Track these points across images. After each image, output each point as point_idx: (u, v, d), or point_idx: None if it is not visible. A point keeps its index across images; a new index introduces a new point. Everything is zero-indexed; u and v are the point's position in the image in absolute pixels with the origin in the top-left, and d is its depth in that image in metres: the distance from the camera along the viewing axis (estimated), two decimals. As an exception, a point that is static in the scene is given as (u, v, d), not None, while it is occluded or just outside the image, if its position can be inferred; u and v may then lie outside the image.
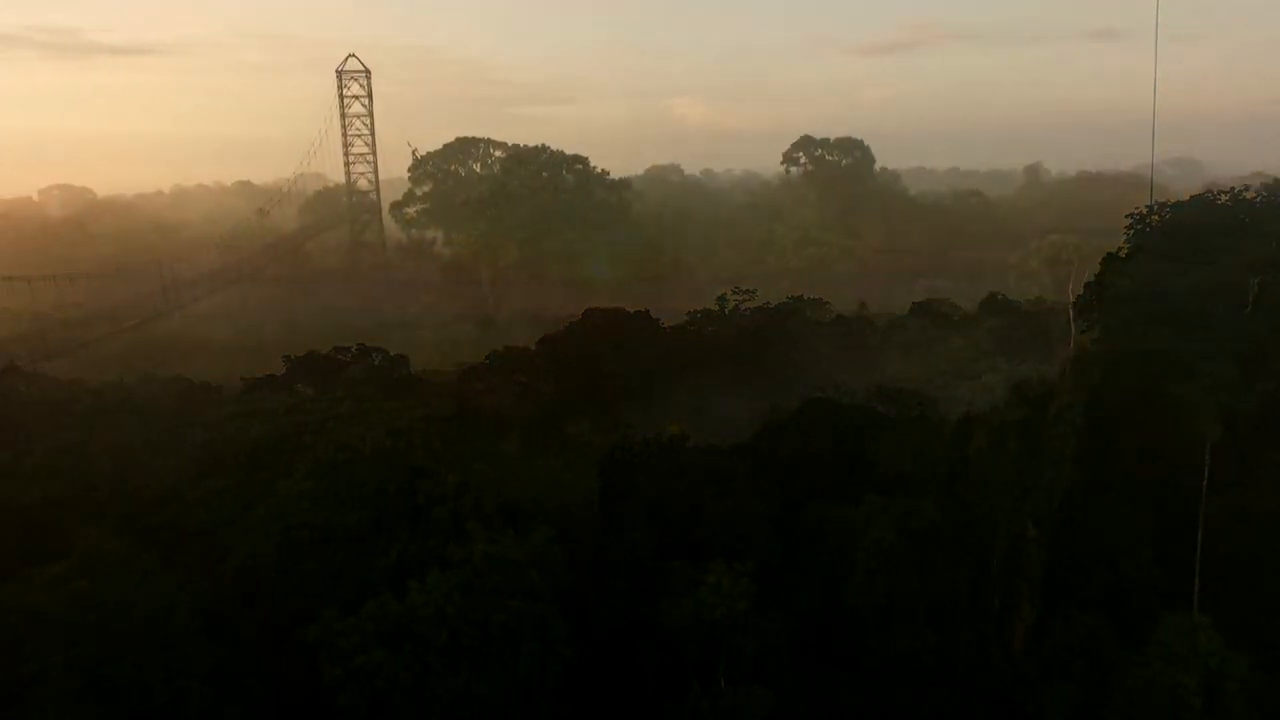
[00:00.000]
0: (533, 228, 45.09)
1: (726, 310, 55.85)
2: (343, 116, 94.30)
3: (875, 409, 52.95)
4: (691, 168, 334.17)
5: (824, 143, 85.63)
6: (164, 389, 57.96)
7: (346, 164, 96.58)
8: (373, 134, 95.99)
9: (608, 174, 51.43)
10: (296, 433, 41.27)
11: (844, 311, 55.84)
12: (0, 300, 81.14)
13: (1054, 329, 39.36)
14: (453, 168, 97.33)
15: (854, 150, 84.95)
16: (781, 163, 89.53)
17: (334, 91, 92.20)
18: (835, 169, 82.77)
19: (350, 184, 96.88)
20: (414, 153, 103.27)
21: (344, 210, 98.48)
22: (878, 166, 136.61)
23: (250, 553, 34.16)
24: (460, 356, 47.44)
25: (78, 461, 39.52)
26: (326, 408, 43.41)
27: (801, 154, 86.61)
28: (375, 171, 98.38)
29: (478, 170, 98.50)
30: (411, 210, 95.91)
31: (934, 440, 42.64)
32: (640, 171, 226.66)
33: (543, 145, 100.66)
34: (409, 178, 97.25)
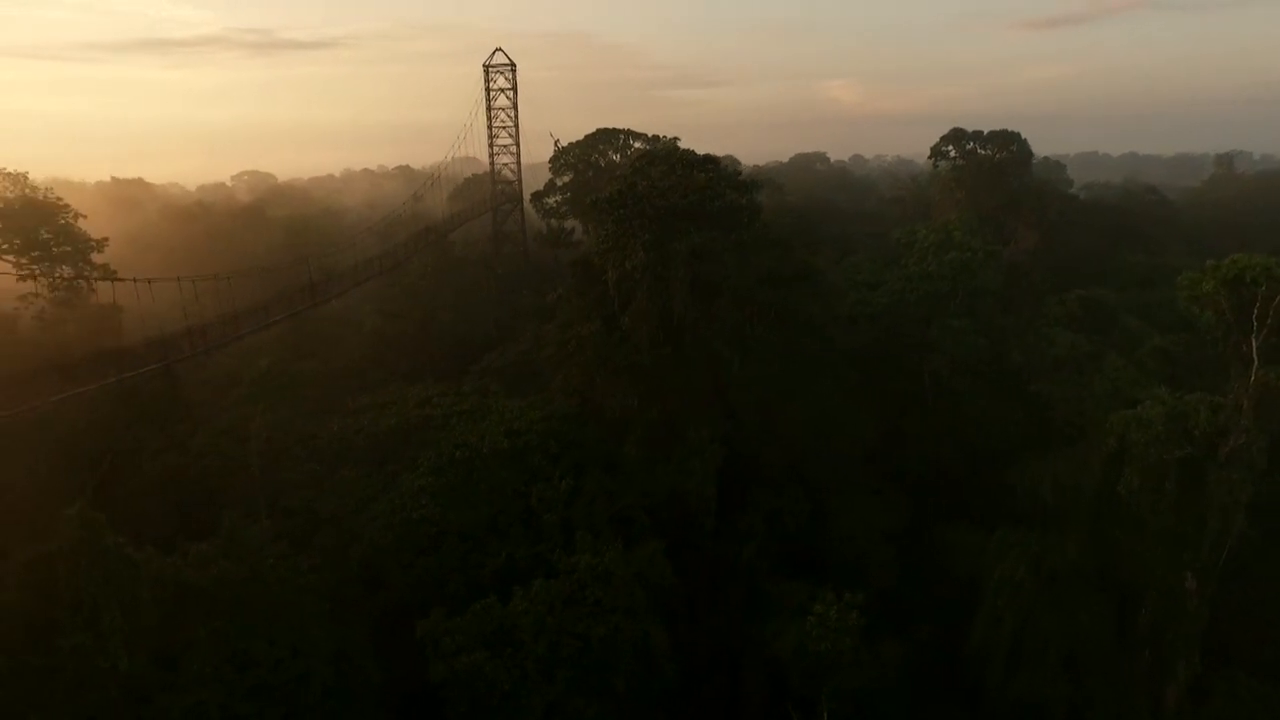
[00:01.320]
0: (659, 229, 44.54)
1: (857, 315, 53.36)
2: (488, 109, 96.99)
3: (1016, 429, 49.31)
4: (841, 153, 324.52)
5: (976, 135, 79.78)
6: (310, 378, 61.88)
7: (491, 155, 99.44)
8: (516, 125, 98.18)
9: (739, 173, 49.76)
10: (423, 426, 42.94)
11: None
12: (179, 287, 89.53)
13: (1232, 356, 34.87)
14: (593, 158, 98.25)
15: (1009, 143, 78.71)
16: (929, 156, 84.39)
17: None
18: (987, 164, 76.97)
19: (494, 174, 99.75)
20: (556, 143, 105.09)
21: (488, 199, 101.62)
22: (1041, 155, 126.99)
23: (372, 543, 35.79)
24: (584, 355, 47.61)
25: (233, 443, 42.78)
26: (452, 402, 44.95)
27: (951, 147, 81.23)
28: (518, 161, 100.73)
29: (617, 160, 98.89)
30: (551, 200, 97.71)
31: (1081, 471, 39.04)
32: (786, 158, 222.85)
33: (675, 139, 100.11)
34: (549, 168, 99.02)
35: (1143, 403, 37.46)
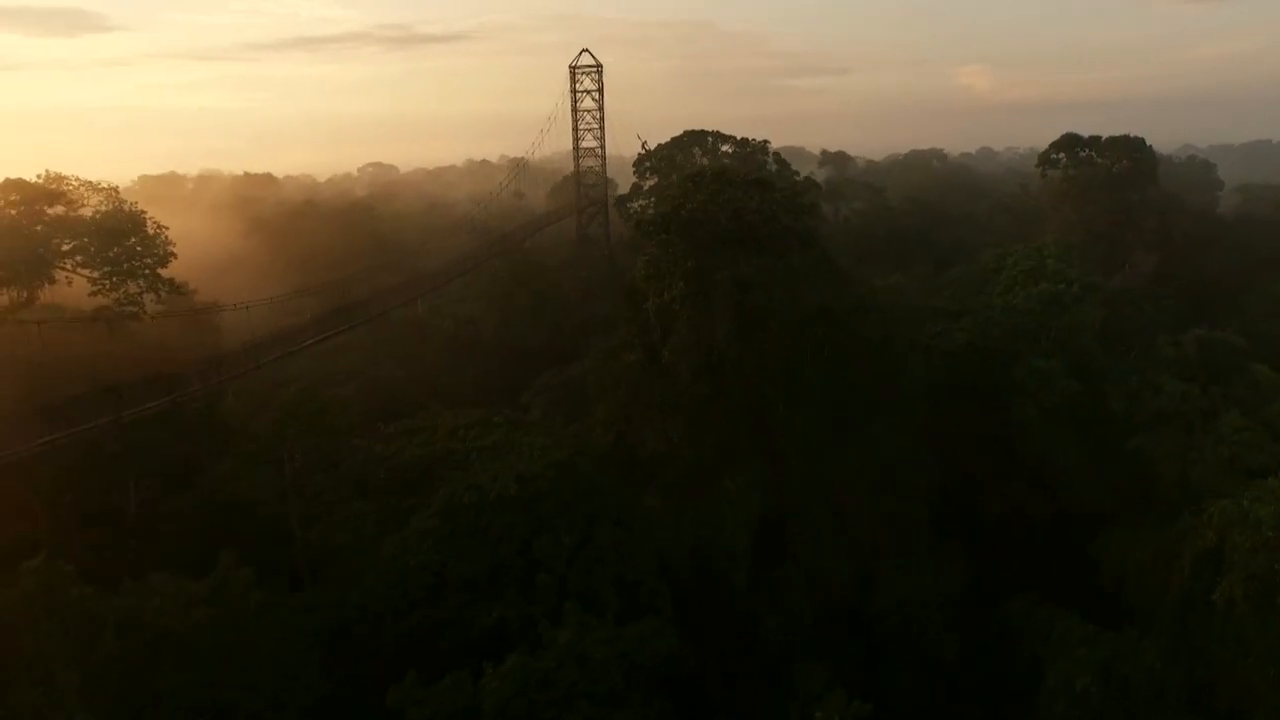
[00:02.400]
0: (703, 256, 41.28)
1: (933, 347, 48.23)
2: (574, 110, 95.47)
3: (1107, 490, 43.16)
4: (968, 145, 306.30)
5: (1093, 141, 71.05)
6: (359, 392, 61.92)
7: (576, 157, 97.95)
8: (602, 127, 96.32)
9: (801, 199, 44.92)
10: (445, 459, 41.41)
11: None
12: (290, 282, 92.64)
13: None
14: (678, 160, 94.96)
15: (1132, 151, 69.69)
16: (1037, 165, 76.00)
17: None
18: (1103, 175, 68.32)
19: (579, 176, 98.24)
20: (643, 145, 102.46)
21: (573, 203, 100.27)
22: (1203, 145, 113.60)
23: (371, 588, 34.46)
24: (622, 388, 44.95)
25: (260, 468, 42.57)
26: (480, 434, 43.20)
27: (1063, 155, 72.82)
28: (603, 164, 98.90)
29: (705, 164, 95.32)
30: (635, 205, 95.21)
31: (1174, 559, 33.26)
32: (906, 151, 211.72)
33: (764, 142, 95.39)
34: (634, 172, 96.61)
35: (1261, 480, 31.46)
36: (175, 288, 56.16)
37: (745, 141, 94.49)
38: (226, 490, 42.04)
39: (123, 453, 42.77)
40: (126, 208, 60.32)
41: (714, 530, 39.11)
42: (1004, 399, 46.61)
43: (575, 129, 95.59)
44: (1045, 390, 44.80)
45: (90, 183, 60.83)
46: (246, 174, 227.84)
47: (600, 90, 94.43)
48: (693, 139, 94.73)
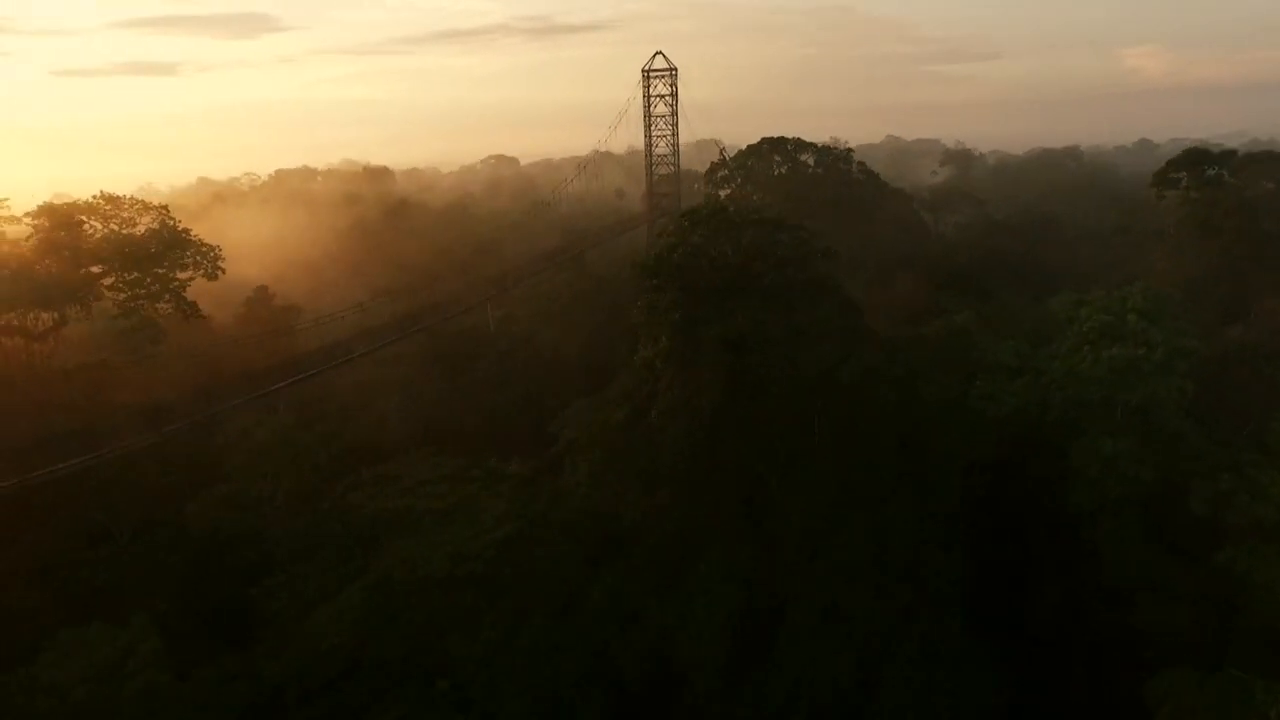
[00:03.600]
0: (692, 308, 36.08)
1: (979, 411, 41.14)
2: (646, 117, 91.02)
3: (1177, 611, 35.01)
4: (1131, 135, 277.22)
5: (1225, 158, 59.27)
6: (393, 411, 60.31)
7: (648, 165, 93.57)
8: (675, 135, 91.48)
9: (814, 245, 37.95)
10: (400, 519, 38.51)
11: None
12: (374, 283, 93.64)
13: None
14: (751, 167, 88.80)
15: (1275, 171, 57.50)
16: (1152, 184, 64.23)
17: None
18: (1231, 200, 56.48)
19: (651, 185, 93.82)
20: (721, 153, 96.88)
21: (644, 212, 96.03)
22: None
23: (288, 663, 31.97)
24: (602, 448, 40.65)
25: (230, 511, 41.24)
26: (446, 490, 39.95)
27: (1184, 174, 61.23)
28: (676, 172, 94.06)
29: (784, 174, 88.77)
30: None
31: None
32: (1055, 144, 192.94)
33: (848, 151, 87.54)
34: (705, 182, 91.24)
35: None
36: (195, 311, 56.20)
37: (827, 150, 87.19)
38: (201, 528, 40.83)
39: (108, 485, 42.54)
40: (171, 226, 61.11)
41: (678, 625, 34.32)
42: (1060, 483, 39.05)
43: (648, 136, 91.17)
44: (1110, 478, 37.03)
45: (143, 202, 62.04)
46: (365, 168, 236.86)
47: (674, 94, 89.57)
48: (772, 146, 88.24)
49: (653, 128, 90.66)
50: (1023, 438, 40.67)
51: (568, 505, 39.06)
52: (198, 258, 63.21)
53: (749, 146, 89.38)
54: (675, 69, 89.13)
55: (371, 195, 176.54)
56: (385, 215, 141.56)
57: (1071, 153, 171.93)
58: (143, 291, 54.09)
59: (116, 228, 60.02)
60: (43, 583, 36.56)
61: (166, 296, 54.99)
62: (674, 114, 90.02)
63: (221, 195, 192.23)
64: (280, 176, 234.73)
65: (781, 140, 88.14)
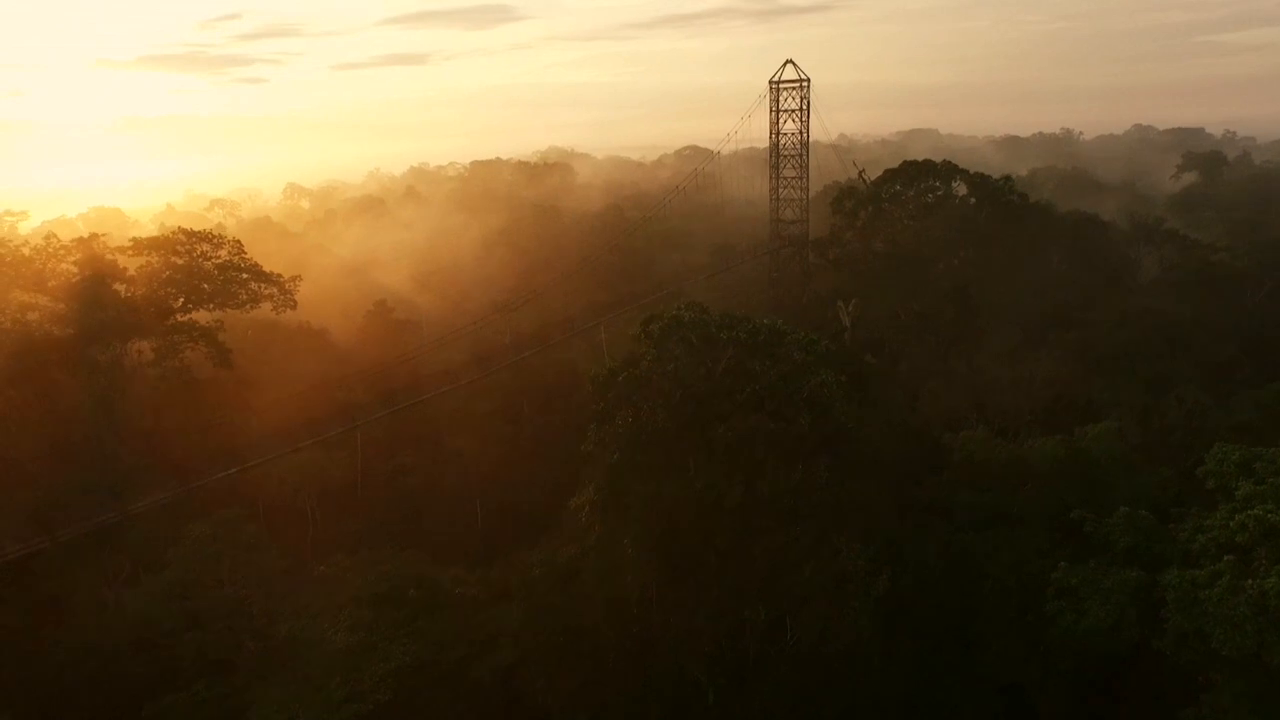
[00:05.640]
0: (636, 450, 27.61)
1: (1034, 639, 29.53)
2: (773, 133, 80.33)
3: None
4: None
5: None
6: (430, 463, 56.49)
7: (773, 187, 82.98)
8: (805, 155, 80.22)
9: (823, 380, 27.60)
10: (299, 648, 33.62)
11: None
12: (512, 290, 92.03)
13: None
14: (885, 196, 75.70)
15: None
16: None
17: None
18: None
19: (775, 210, 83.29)
20: (860, 175, 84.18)
21: (766, 241, 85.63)
22: None
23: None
24: (529, 604, 33.49)
25: (165, 605, 38.41)
26: (358, 619, 34.40)
27: None
28: (805, 195, 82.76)
29: (929, 204, 75.05)
30: (834, 254, 78.09)
31: None
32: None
33: (1007, 179, 71.76)
34: (830, 209, 79.15)
35: None
36: (226, 360, 55.06)
37: (983, 179, 72.16)
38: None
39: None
40: (237, 261, 60.78)
41: None
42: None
43: (774, 154, 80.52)
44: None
45: (219, 237, 62.36)
46: (556, 156, 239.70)
47: (806, 110, 78.17)
48: (916, 172, 74.66)
49: (779, 148, 79.81)
50: (1111, 668, 28.41)
51: (482, 663, 32.35)
52: (268, 288, 62.71)
53: (888, 171, 76.36)
54: (807, 80, 77.60)
55: (542, 190, 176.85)
56: (540, 215, 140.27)
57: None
58: (180, 337, 53.63)
59: (187, 261, 60.50)
60: None
61: (193, 344, 54.27)
62: (804, 132, 78.66)
63: (414, 188, 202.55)
64: (475, 169, 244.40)
65: (927, 165, 74.33)
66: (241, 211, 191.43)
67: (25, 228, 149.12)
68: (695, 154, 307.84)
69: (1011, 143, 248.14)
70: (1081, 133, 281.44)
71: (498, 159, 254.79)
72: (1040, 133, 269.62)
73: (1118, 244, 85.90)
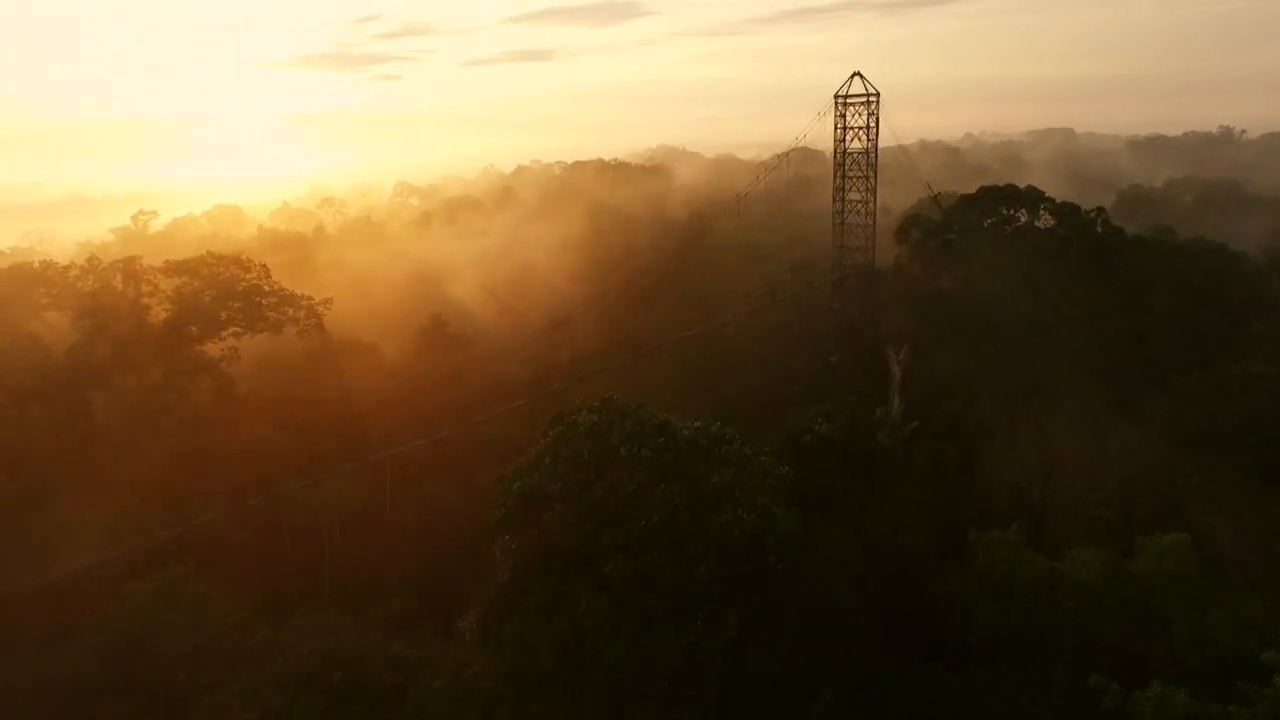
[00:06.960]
0: (532, 575, 23.51)
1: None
2: (839, 153, 73.68)
3: None
4: None
5: None
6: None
7: (838, 210, 76.34)
8: (873, 176, 73.33)
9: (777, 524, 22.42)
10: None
11: None
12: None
13: None
14: (958, 223, 67.60)
15: None
16: None
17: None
18: None
19: (840, 234, 76.64)
20: (933, 197, 76.16)
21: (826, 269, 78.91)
22: None
23: None
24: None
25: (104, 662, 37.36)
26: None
27: None
28: (873, 223, 75.70)
29: (1009, 235, 66.70)
30: (897, 289, 70.74)
31: None
32: None
33: (1097, 210, 62.35)
34: (895, 241, 71.67)
35: None
36: (230, 392, 54.51)
37: (1073, 208, 63.16)
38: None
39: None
40: (260, 285, 60.55)
41: None
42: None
43: (839, 175, 73.88)
44: None
45: (246, 261, 62.43)
46: (649, 160, 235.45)
47: (875, 127, 71.09)
48: (996, 199, 66.31)
49: (845, 168, 73.08)
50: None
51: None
52: (295, 312, 62.29)
53: (963, 197, 68.35)
54: (877, 94, 70.46)
55: (635, 193, 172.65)
56: (619, 223, 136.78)
57: None
58: (180, 369, 53.52)
59: (213, 285, 60.77)
60: None
61: (196, 376, 53.99)
62: (872, 153, 71.64)
63: (511, 189, 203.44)
64: (572, 170, 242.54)
65: (1009, 190, 65.94)
66: (350, 210, 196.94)
67: (156, 225, 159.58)
68: (803, 156, 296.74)
69: (1155, 143, 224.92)
70: (1244, 131, 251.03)
71: (599, 159, 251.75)
72: (1192, 131, 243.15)
73: (1253, 280, 73.89)
